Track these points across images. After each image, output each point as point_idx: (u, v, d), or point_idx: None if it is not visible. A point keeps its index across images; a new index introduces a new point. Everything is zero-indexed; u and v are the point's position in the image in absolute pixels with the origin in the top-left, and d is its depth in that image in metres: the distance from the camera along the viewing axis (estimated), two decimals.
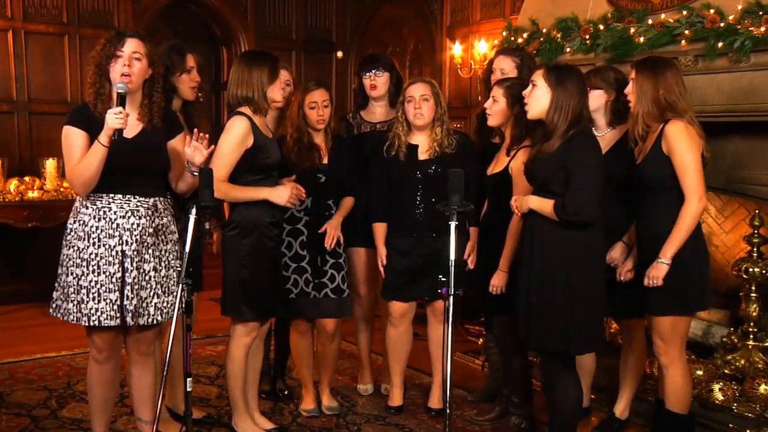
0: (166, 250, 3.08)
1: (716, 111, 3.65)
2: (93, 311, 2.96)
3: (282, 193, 3.42)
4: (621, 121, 3.47)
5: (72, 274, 2.99)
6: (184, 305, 2.84)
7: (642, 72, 3.14)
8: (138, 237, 2.99)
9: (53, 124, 6.27)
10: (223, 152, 3.31)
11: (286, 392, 4.19)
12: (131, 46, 2.94)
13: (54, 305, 3.06)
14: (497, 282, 3.47)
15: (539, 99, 3.07)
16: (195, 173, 3.01)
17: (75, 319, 2.99)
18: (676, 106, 3.10)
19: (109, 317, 2.96)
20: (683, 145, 3.04)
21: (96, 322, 2.96)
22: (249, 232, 3.39)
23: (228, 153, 3.32)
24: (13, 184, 5.84)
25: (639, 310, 3.39)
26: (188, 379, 2.85)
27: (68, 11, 6.40)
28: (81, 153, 2.95)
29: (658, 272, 3.06)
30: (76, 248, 2.99)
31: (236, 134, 3.33)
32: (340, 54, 7.72)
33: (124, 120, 2.84)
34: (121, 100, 2.87)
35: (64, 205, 5.72)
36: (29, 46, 6.28)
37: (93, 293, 2.96)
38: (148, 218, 3.02)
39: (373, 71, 4.04)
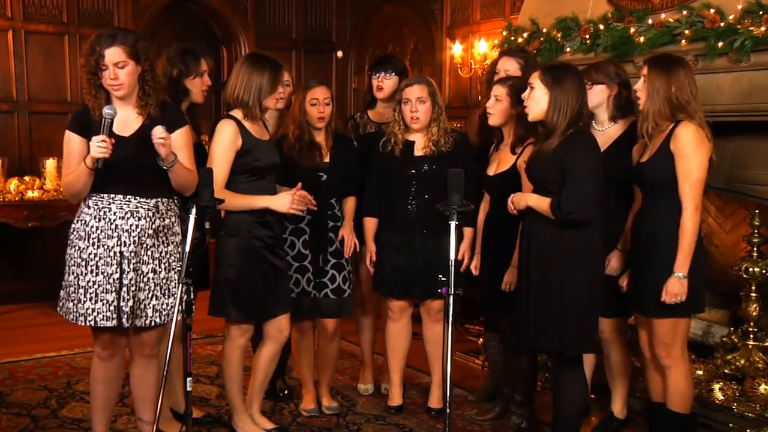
0: (167, 252, 3.07)
1: (716, 111, 3.64)
2: (90, 311, 2.97)
3: (283, 201, 3.41)
4: (623, 116, 3.46)
5: (73, 273, 3.01)
6: (184, 305, 2.84)
7: (655, 69, 3.09)
8: (136, 238, 2.98)
9: (53, 123, 6.28)
10: (216, 159, 3.30)
11: (286, 392, 4.19)
12: (112, 57, 2.91)
13: (60, 303, 3.08)
14: (510, 279, 3.47)
15: (538, 100, 3.07)
16: (166, 167, 2.96)
17: (74, 318, 3.01)
18: (688, 106, 3.06)
19: (105, 318, 2.96)
20: (691, 151, 3.01)
21: (92, 322, 2.98)
22: (235, 233, 3.38)
23: (221, 159, 3.31)
24: (13, 183, 5.84)
25: (626, 309, 3.43)
26: (188, 379, 2.86)
27: (68, 11, 6.41)
28: (76, 159, 2.98)
29: (681, 288, 3.01)
30: (77, 248, 3.01)
31: (225, 138, 3.34)
32: (340, 54, 7.72)
33: (107, 149, 2.83)
34: (108, 126, 2.85)
35: (64, 205, 5.72)
36: (29, 46, 6.29)
37: (90, 293, 2.97)
38: (147, 219, 3.01)
39: (382, 73, 4.06)
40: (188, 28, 7.43)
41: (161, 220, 3.06)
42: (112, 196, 2.98)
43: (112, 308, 2.96)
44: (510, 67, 3.83)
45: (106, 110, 2.85)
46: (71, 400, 4.07)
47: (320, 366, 3.99)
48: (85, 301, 2.97)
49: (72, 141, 3.01)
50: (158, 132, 2.87)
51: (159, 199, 3.05)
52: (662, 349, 3.17)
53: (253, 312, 3.46)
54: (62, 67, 6.41)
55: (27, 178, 5.94)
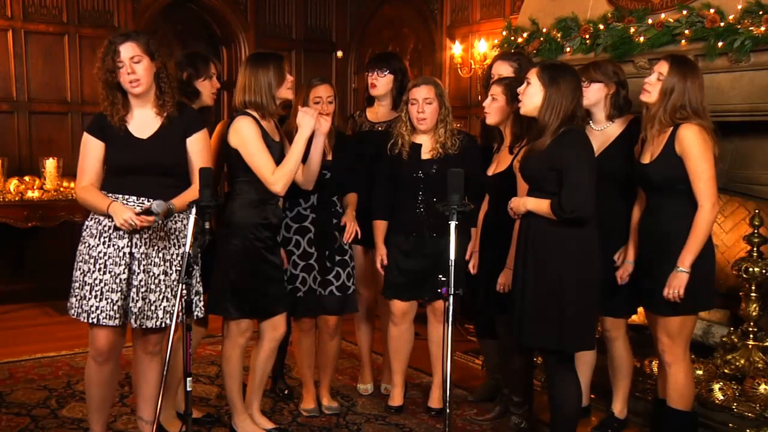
0: (178, 255, 3.08)
1: (716, 111, 3.64)
2: (93, 309, 2.98)
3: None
4: (621, 115, 3.46)
5: (80, 269, 3.03)
6: (184, 305, 2.84)
7: (675, 71, 3.08)
8: (147, 240, 3.00)
9: (53, 123, 6.28)
10: (257, 151, 3.31)
11: (286, 392, 4.19)
12: (127, 51, 2.95)
13: (68, 300, 3.09)
14: (504, 280, 3.47)
15: (532, 96, 3.08)
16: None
17: (76, 314, 3.02)
18: (696, 109, 3.07)
19: (108, 317, 2.98)
20: (698, 150, 3.02)
21: (95, 320, 2.99)
22: (238, 233, 3.38)
23: (260, 148, 3.32)
24: (13, 183, 5.83)
25: (631, 309, 3.43)
26: (188, 379, 2.86)
27: (68, 11, 6.40)
28: (92, 164, 3.04)
29: (680, 282, 3.03)
30: (87, 245, 3.03)
31: (252, 131, 3.34)
32: (340, 54, 7.72)
33: (129, 228, 2.91)
34: (148, 213, 2.90)
35: (64, 205, 5.73)
36: (29, 46, 6.28)
37: (96, 291, 2.98)
38: (160, 221, 3.02)
39: (376, 71, 4.05)
40: (188, 28, 7.42)
41: (173, 222, 3.07)
42: (127, 197, 3.01)
43: (116, 308, 2.98)
44: (504, 71, 3.84)
45: (154, 206, 2.86)
46: (71, 400, 4.07)
47: (320, 365, 3.99)
48: (90, 299, 2.99)
49: (89, 144, 3.06)
50: (143, 221, 2.91)
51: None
52: (666, 345, 3.18)
53: (252, 310, 3.47)
54: (62, 67, 6.41)
55: (27, 178, 5.94)
